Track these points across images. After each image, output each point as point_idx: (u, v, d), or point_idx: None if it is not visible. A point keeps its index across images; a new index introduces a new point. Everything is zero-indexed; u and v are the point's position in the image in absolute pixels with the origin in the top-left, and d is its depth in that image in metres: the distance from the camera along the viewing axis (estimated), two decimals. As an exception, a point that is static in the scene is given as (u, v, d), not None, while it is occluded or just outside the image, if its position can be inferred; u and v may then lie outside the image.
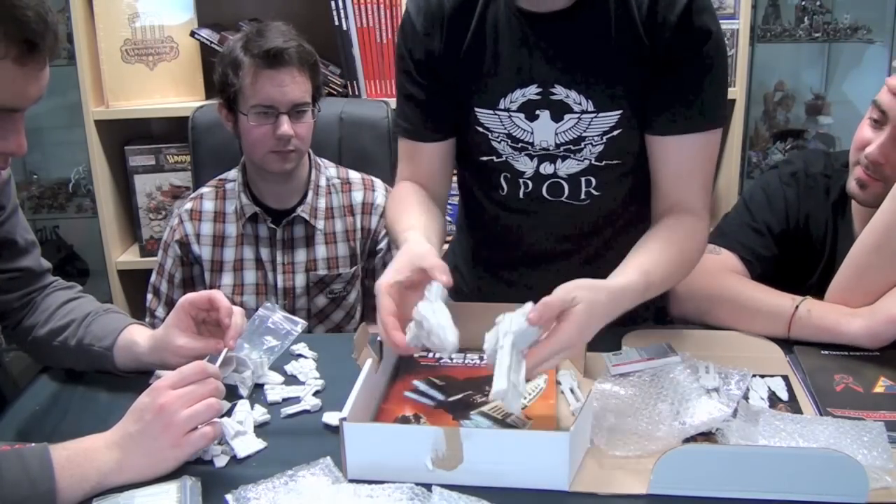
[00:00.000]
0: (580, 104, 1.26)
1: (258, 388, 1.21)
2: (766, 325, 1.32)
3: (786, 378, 1.19)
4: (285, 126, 1.60)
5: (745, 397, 1.12)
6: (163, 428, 0.97)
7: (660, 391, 1.11)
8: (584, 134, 1.28)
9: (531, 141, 1.30)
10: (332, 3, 2.15)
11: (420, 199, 1.34)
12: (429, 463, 0.95)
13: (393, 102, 2.05)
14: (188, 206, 1.77)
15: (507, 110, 1.29)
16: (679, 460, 0.93)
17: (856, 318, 1.26)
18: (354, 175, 1.81)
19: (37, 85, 0.99)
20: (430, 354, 1.26)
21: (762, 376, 1.18)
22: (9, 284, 1.27)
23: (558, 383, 1.18)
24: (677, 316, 1.42)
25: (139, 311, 1.88)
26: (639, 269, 1.14)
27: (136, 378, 1.24)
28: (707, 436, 1.03)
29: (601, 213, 1.37)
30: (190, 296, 1.20)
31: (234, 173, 1.77)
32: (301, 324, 1.29)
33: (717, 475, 0.94)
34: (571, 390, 1.16)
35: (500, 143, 1.32)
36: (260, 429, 1.10)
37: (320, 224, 1.74)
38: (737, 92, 2.19)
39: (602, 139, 1.28)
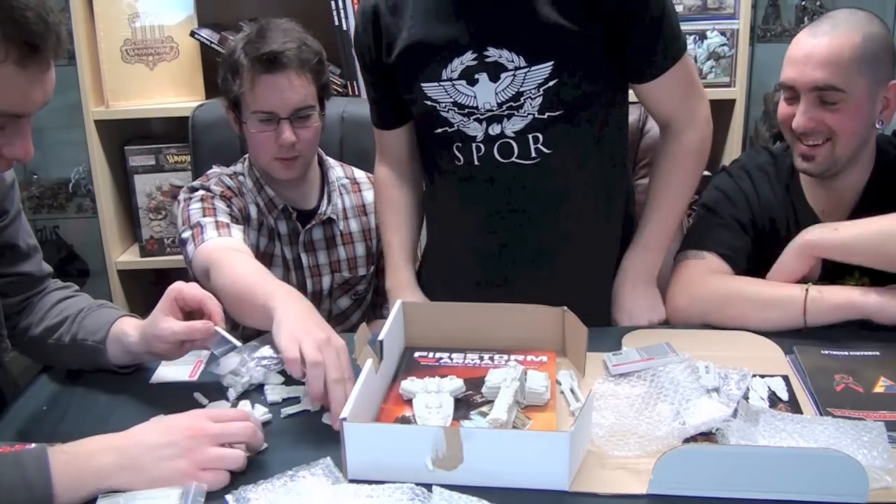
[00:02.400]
0: (513, 61, 1.34)
1: (258, 388, 1.21)
2: (782, 315, 1.33)
3: (786, 378, 1.19)
4: (286, 133, 1.55)
5: (745, 397, 1.12)
6: (186, 452, 0.95)
7: (660, 391, 1.11)
8: (521, 89, 1.36)
9: (475, 105, 1.39)
10: (332, 3, 2.15)
11: (397, 205, 1.59)
12: (429, 463, 0.95)
13: None
14: (217, 187, 1.60)
15: (450, 80, 1.38)
16: (679, 460, 0.93)
17: (870, 294, 1.30)
18: (360, 174, 1.80)
19: (41, 89, 0.98)
20: (430, 354, 1.26)
21: (762, 376, 1.18)
22: (9, 288, 1.27)
23: (558, 383, 1.18)
24: (679, 324, 1.42)
25: (139, 311, 1.88)
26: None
27: (135, 378, 1.24)
28: (707, 436, 1.03)
29: (553, 178, 1.42)
30: (183, 290, 1.16)
31: (240, 167, 1.71)
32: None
33: (717, 475, 0.94)
34: (571, 390, 1.16)
35: (447, 112, 1.41)
36: (262, 427, 1.10)
37: (340, 224, 1.72)
38: (737, 92, 2.19)
39: (539, 91, 1.35)
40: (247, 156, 1.72)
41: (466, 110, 1.39)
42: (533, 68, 1.34)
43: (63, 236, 2.79)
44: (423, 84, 1.40)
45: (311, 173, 1.70)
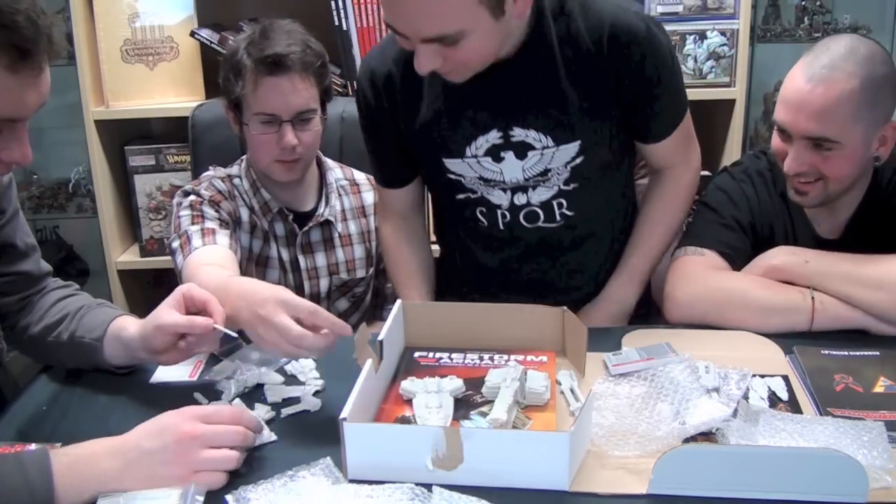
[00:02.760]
0: (540, 141, 1.37)
1: (258, 387, 1.21)
2: (786, 323, 1.33)
3: (786, 378, 1.19)
4: (289, 136, 1.53)
5: (745, 397, 1.12)
6: (177, 456, 0.95)
7: (660, 391, 1.11)
8: (550, 166, 1.40)
9: (502, 179, 1.41)
10: (332, 3, 2.15)
11: (409, 267, 1.58)
12: (429, 463, 0.95)
13: None
14: (206, 192, 1.59)
15: (475, 156, 1.40)
16: (679, 460, 0.93)
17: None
18: (360, 175, 1.79)
19: (35, 92, 0.97)
20: (430, 354, 1.26)
21: (762, 376, 1.18)
22: (8, 287, 1.27)
23: (558, 383, 1.18)
24: (678, 322, 1.40)
25: (139, 312, 1.88)
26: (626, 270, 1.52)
27: (135, 378, 1.24)
28: (707, 436, 1.03)
29: (576, 230, 1.49)
30: (192, 290, 1.16)
31: (236, 169, 1.69)
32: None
33: (717, 475, 0.94)
34: (571, 390, 1.16)
35: (472, 184, 1.44)
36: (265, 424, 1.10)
37: (339, 226, 1.71)
38: (737, 92, 2.18)
39: (567, 168, 1.40)
40: (244, 157, 1.71)
41: (492, 182, 1.42)
42: (560, 148, 1.38)
43: (63, 236, 2.79)
44: (445, 160, 1.42)
45: (309, 175, 1.69)
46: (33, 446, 1.03)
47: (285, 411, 1.14)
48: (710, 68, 2.19)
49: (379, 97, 1.44)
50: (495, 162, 1.39)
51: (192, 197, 1.58)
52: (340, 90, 2.19)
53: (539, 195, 1.43)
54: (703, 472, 0.94)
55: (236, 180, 1.67)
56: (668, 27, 2.15)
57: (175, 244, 1.53)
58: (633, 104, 1.38)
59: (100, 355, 1.21)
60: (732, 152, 2.26)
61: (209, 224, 1.53)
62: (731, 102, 2.20)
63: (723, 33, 2.17)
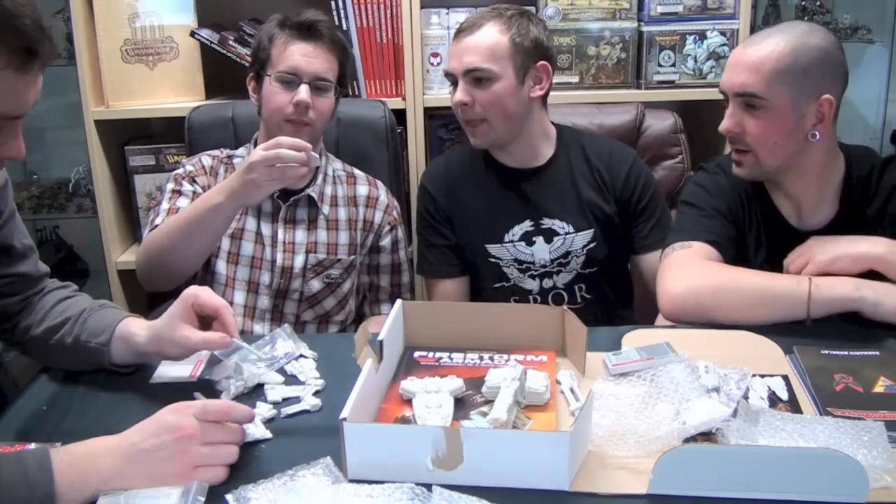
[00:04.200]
0: (563, 228, 1.76)
1: (258, 387, 1.21)
2: (783, 309, 1.34)
3: (786, 378, 1.19)
4: (303, 94, 1.62)
5: (745, 397, 1.11)
6: (174, 454, 0.95)
7: (660, 391, 1.11)
8: (570, 249, 1.76)
9: (532, 261, 1.77)
10: (332, 3, 2.15)
11: None
12: (429, 463, 0.95)
13: (391, 102, 2.11)
14: (190, 167, 1.75)
15: (511, 241, 1.76)
16: (679, 460, 0.93)
17: (863, 288, 1.32)
18: (359, 172, 1.84)
19: (34, 90, 1.00)
20: (430, 354, 1.26)
21: (762, 376, 1.18)
22: (6, 289, 1.27)
23: (558, 383, 1.18)
24: (672, 317, 1.39)
25: (139, 312, 1.88)
26: None
27: (135, 378, 1.24)
28: (707, 436, 1.03)
29: (593, 309, 1.78)
30: (199, 295, 1.18)
31: (242, 150, 1.78)
32: (303, 346, 1.31)
33: (717, 475, 0.94)
34: (571, 390, 1.16)
35: (508, 268, 1.77)
36: (266, 424, 1.10)
37: (325, 209, 1.75)
38: (737, 92, 2.18)
39: (583, 251, 1.77)
40: (255, 135, 1.77)
41: (524, 265, 1.76)
42: (579, 233, 1.75)
43: (63, 236, 2.79)
44: (487, 245, 1.76)
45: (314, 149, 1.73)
46: (33, 446, 1.03)
47: (285, 411, 1.14)
48: (710, 68, 2.19)
49: (439, 200, 1.78)
50: (528, 246, 1.75)
51: (179, 170, 1.74)
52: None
53: (563, 279, 1.77)
54: (703, 472, 0.94)
55: (237, 159, 1.77)
56: (668, 27, 2.18)
57: (150, 217, 1.72)
58: (631, 212, 1.77)
59: (106, 358, 1.22)
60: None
61: (181, 202, 1.67)
62: (731, 102, 2.19)
63: (723, 33, 2.17)
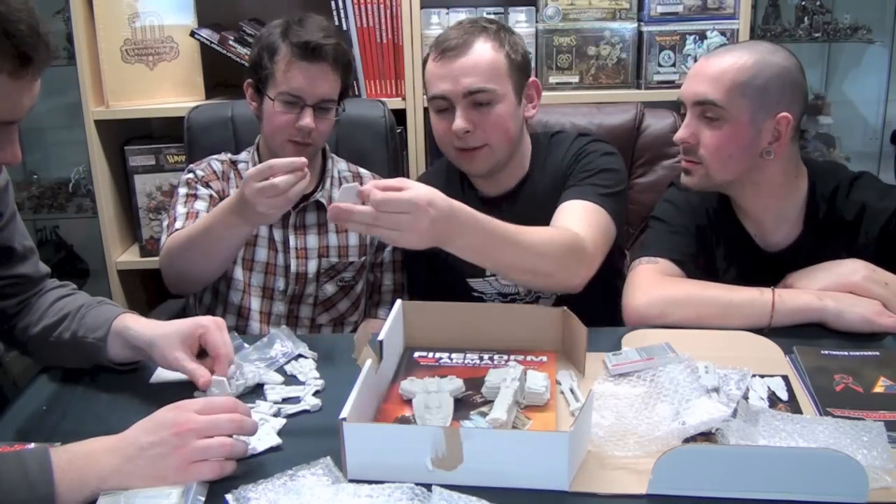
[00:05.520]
0: None
1: (258, 387, 1.21)
2: (745, 319, 1.34)
3: (786, 378, 1.19)
4: (308, 119, 1.60)
5: (745, 397, 1.11)
6: (174, 449, 0.95)
7: (659, 391, 1.11)
8: None
9: (517, 291, 1.65)
10: (332, 3, 2.15)
11: None
12: (429, 463, 0.95)
13: (391, 102, 2.11)
14: (200, 171, 1.71)
15: (493, 275, 1.62)
16: (679, 460, 0.93)
17: (825, 299, 1.34)
18: (364, 171, 1.84)
19: (30, 95, 1.00)
20: (430, 354, 1.26)
21: (762, 376, 1.18)
22: (6, 291, 1.27)
23: (558, 383, 1.18)
24: (637, 324, 1.39)
25: (138, 311, 1.87)
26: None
27: (135, 378, 1.24)
28: (707, 436, 1.03)
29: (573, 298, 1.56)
30: (210, 332, 1.18)
31: (244, 155, 1.76)
32: (303, 346, 1.32)
33: (717, 475, 0.94)
34: (571, 390, 1.16)
35: (492, 299, 1.67)
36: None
37: None
38: (737, 92, 2.19)
39: None
40: (257, 140, 1.76)
41: (509, 297, 1.64)
42: None
43: (63, 236, 2.79)
44: (468, 280, 1.65)
45: (314, 161, 1.73)
46: (33, 446, 1.03)
47: (285, 411, 1.14)
48: (710, 68, 2.19)
49: None
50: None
51: (190, 175, 1.70)
52: (340, 90, 2.19)
53: (549, 301, 1.64)
54: (702, 472, 0.94)
55: (241, 165, 1.74)
56: (668, 27, 2.18)
57: (165, 222, 1.67)
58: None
59: (103, 354, 1.22)
60: (732, 152, 2.26)
61: (198, 205, 1.64)
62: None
63: (723, 33, 2.17)
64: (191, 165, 1.74)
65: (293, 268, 1.71)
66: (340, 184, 1.78)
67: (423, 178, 1.79)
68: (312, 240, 1.73)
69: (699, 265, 1.50)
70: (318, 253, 1.73)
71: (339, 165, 1.81)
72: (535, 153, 1.67)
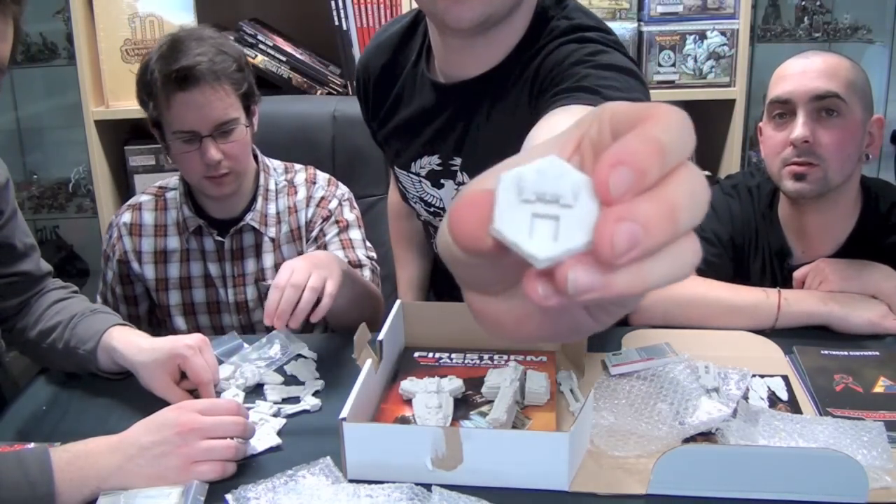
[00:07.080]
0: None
1: (258, 387, 1.21)
2: (750, 321, 1.33)
3: (786, 378, 1.19)
4: (211, 151, 1.42)
5: (745, 397, 1.12)
6: (176, 448, 0.95)
7: (660, 391, 1.11)
8: None
9: (442, 206, 1.35)
10: (332, 3, 2.15)
11: (405, 237, 1.68)
12: (429, 463, 0.95)
13: None
14: (126, 218, 1.56)
15: (418, 175, 1.35)
16: (679, 460, 0.93)
17: (829, 303, 1.32)
18: (300, 177, 1.63)
19: (4, 42, 0.95)
20: (430, 354, 1.26)
21: (762, 376, 1.18)
22: (7, 289, 1.27)
23: (558, 383, 1.18)
24: (640, 323, 1.38)
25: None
26: None
27: (135, 378, 1.24)
28: (707, 436, 1.03)
29: None
30: (189, 362, 1.14)
31: (174, 181, 1.59)
32: (303, 346, 1.31)
33: (717, 475, 0.94)
34: (571, 390, 1.16)
35: (416, 204, 1.40)
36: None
37: (271, 231, 1.56)
38: (737, 92, 2.18)
39: None
40: (180, 174, 1.58)
41: (433, 209, 1.38)
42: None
43: (63, 236, 2.79)
44: (396, 168, 1.40)
45: (246, 178, 1.55)
46: (32, 446, 1.03)
47: (285, 411, 1.14)
48: (710, 68, 2.19)
49: (359, 93, 1.43)
50: (434, 188, 1.35)
51: (111, 233, 1.58)
52: (340, 90, 2.19)
53: None
54: (702, 472, 0.94)
55: (170, 193, 1.58)
56: (668, 27, 2.18)
57: (100, 300, 1.59)
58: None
59: (94, 365, 1.21)
60: (732, 152, 2.26)
61: (110, 301, 1.57)
62: (731, 102, 2.20)
63: (723, 33, 2.17)
64: (115, 217, 1.59)
65: (231, 298, 1.56)
66: (276, 197, 1.58)
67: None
68: (250, 264, 1.56)
69: (722, 276, 1.42)
70: (254, 277, 1.56)
71: (276, 176, 1.61)
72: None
